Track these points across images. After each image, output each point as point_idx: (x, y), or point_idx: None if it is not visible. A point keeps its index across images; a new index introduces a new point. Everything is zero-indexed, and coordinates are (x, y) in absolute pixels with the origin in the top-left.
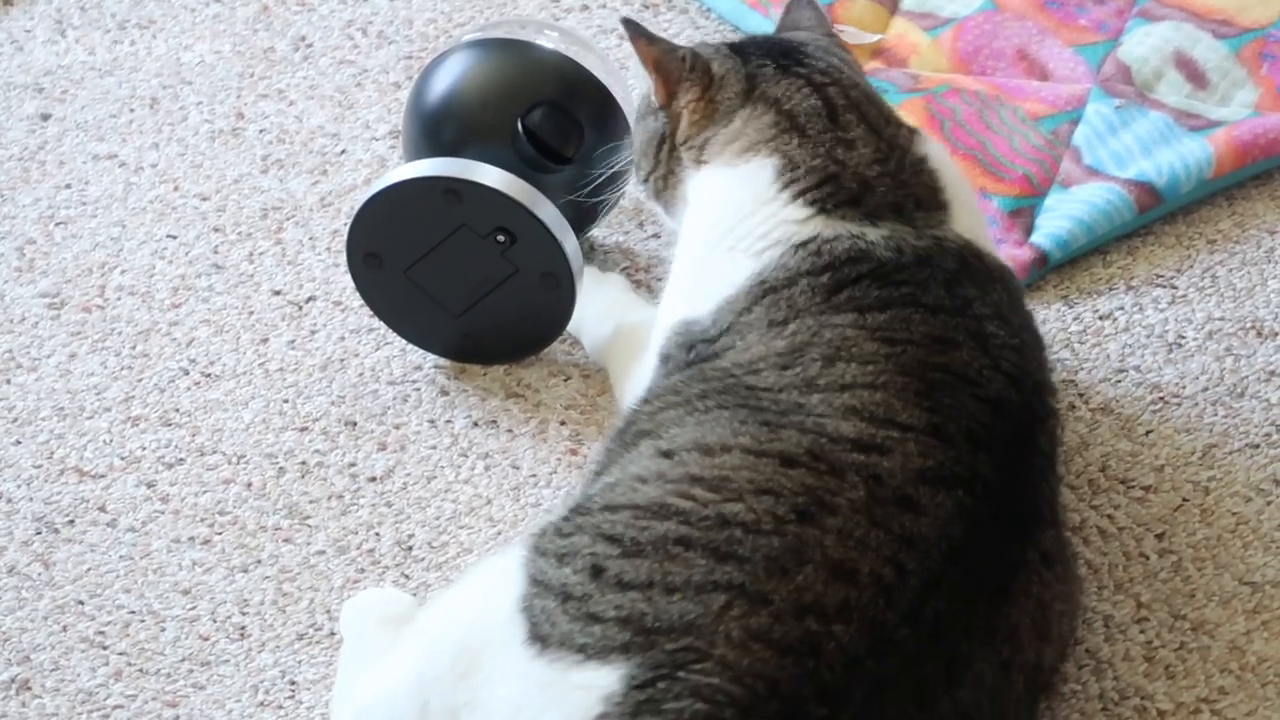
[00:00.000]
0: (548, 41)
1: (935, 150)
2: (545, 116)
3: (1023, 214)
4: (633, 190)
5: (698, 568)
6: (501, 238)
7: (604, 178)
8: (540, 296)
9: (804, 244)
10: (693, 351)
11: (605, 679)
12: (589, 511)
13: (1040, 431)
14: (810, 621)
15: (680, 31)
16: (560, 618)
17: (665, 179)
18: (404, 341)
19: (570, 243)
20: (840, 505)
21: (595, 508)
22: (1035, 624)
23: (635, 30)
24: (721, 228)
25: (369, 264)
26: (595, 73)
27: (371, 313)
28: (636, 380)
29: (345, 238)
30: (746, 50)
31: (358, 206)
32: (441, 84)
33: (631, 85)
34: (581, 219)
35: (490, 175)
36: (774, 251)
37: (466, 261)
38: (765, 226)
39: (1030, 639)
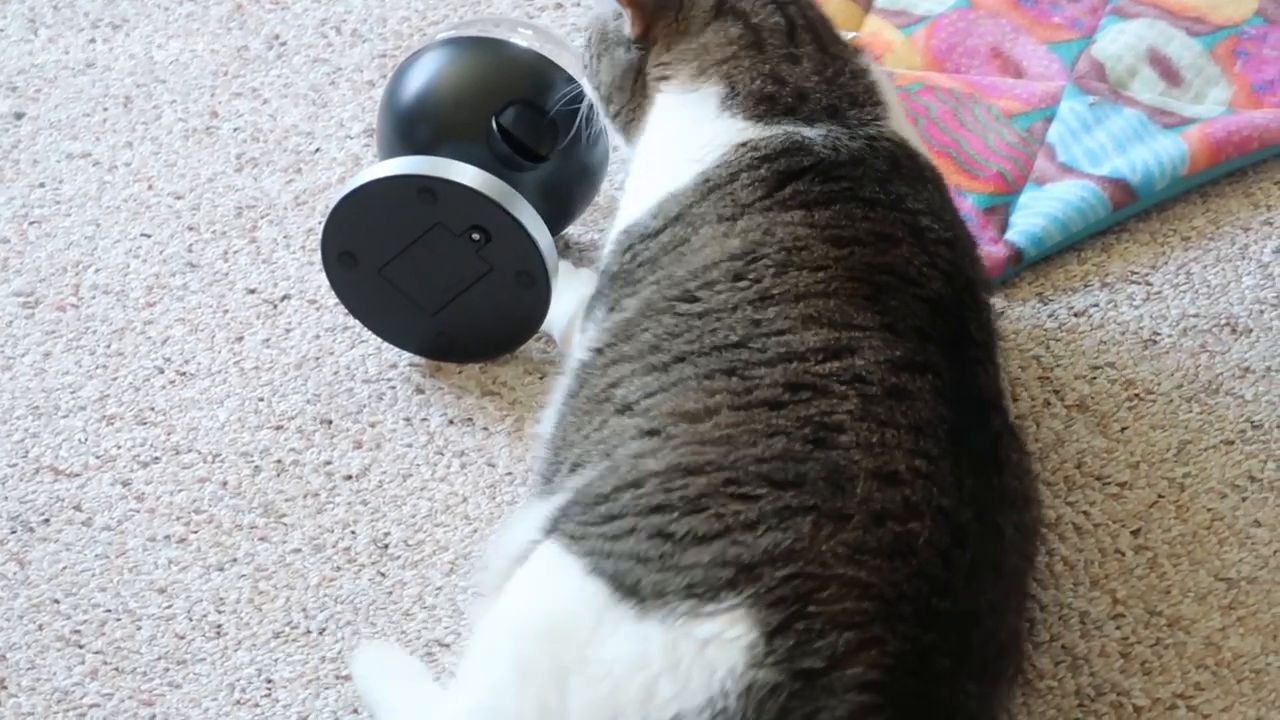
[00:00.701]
0: (522, 39)
1: (877, 68)
2: (519, 115)
3: (997, 211)
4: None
5: (764, 499)
6: (476, 236)
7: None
8: (515, 295)
9: (743, 144)
10: (629, 253)
11: (735, 628)
12: (605, 498)
13: (973, 323)
14: (892, 525)
15: None
16: (644, 571)
17: (635, 110)
18: (379, 340)
19: (545, 241)
20: (843, 421)
21: (608, 490)
22: (1021, 487)
23: None
24: (667, 144)
25: (343, 263)
26: (570, 70)
27: (347, 311)
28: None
29: (320, 236)
30: None
31: (332, 205)
32: (415, 82)
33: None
34: (557, 216)
35: (465, 174)
36: (715, 154)
37: (441, 260)
38: (707, 136)
39: (1020, 502)
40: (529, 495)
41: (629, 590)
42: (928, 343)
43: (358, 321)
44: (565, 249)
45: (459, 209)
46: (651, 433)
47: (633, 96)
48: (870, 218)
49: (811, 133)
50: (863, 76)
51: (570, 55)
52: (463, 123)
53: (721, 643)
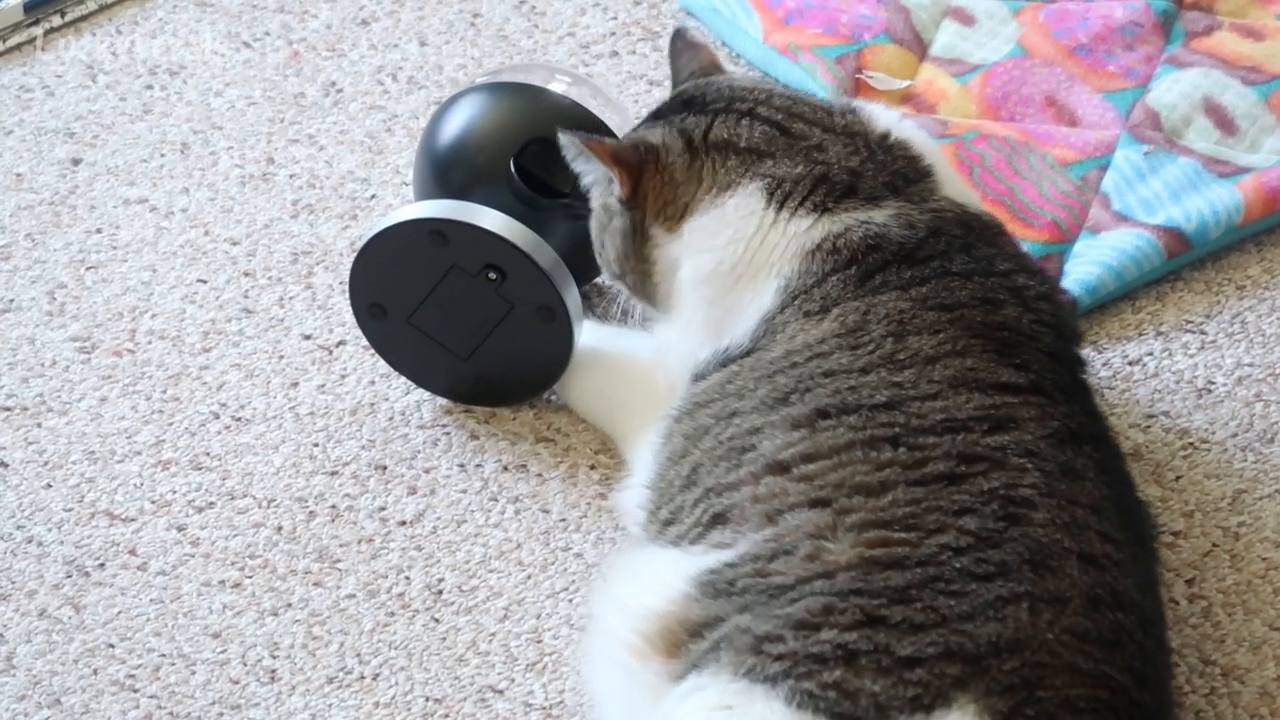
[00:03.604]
0: (559, 86)
1: (886, 118)
2: (537, 153)
3: (1052, 260)
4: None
5: (972, 593)
6: (492, 275)
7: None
8: (540, 330)
9: (819, 247)
10: (724, 357)
11: None
12: (789, 589)
13: (1085, 374)
14: (1106, 612)
15: None
16: (859, 682)
17: (641, 266)
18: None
19: (559, 272)
20: (1029, 496)
21: (792, 581)
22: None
23: (584, 137)
24: (730, 262)
25: (374, 315)
26: (601, 116)
27: (390, 367)
28: (653, 412)
29: (348, 293)
30: (660, 113)
31: (353, 257)
32: (444, 129)
33: None
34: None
35: (472, 213)
36: (793, 263)
37: (464, 303)
38: (776, 249)
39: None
40: (642, 536)
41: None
42: (1072, 401)
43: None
44: (600, 295)
45: (471, 249)
46: (821, 503)
47: (638, 255)
48: (968, 287)
49: (882, 216)
50: (892, 143)
51: (602, 102)
52: (485, 166)
53: None
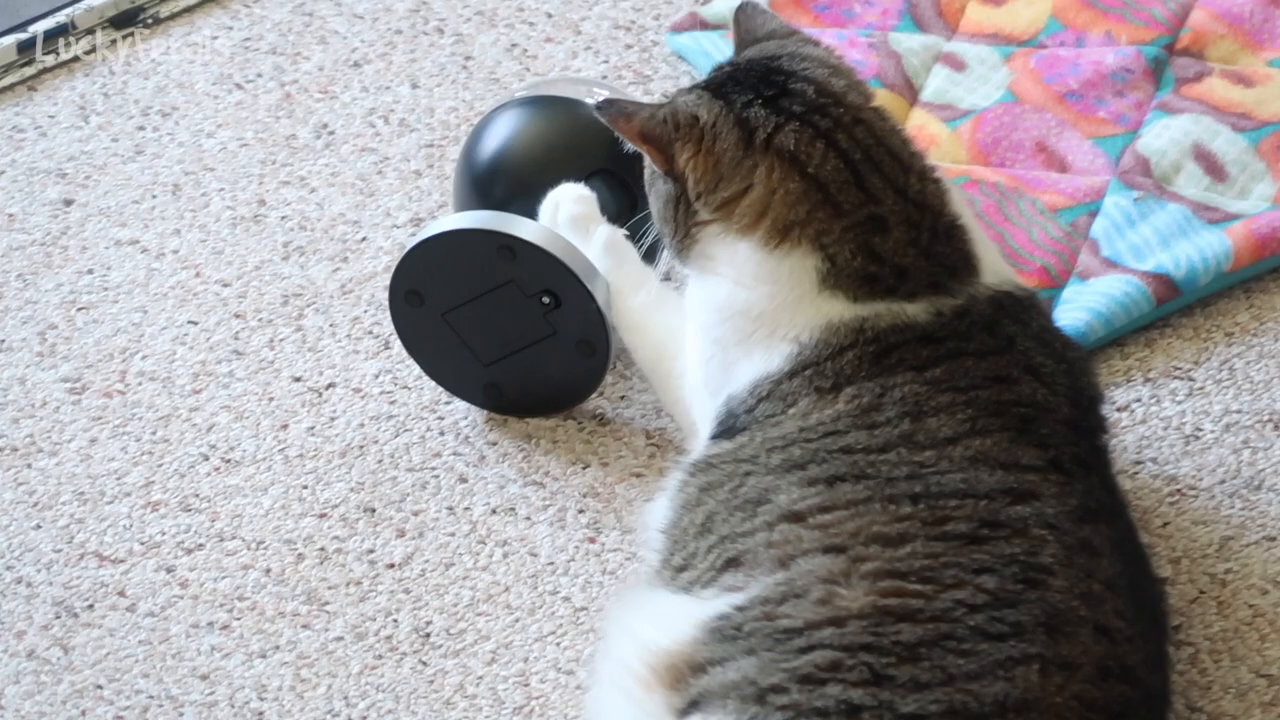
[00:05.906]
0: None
1: (956, 198)
2: (601, 185)
3: None
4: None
5: (982, 653)
6: (547, 300)
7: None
8: (574, 361)
9: (845, 324)
10: (729, 419)
11: None
12: (798, 633)
13: (1103, 439)
14: (1114, 684)
15: None
16: None
17: (687, 237)
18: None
19: (611, 313)
20: (1049, 564)
21: (800, 625)
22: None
23: (612, 112)
24: (759, 310)
25: (410, 300)
26: None
27: (404, 348)
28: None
29: (392, 271)
30: (723, 87)
31: (411, 243)
32: (486, 143)
33: None
34: None
35: (551, 240)
36: (814, 333)
37: (507, 315)
38: (807, 318)
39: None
40: (651, 581)
41: None
42: (1091, 474)
43: (412, 360)
44: None
45: (535, 271)
46: (836, 549)
47: (678, 227)
48: (983, 365)
49: (914, 309)
50: (954, 232)
51: None
52: (526, 181)
53: None
